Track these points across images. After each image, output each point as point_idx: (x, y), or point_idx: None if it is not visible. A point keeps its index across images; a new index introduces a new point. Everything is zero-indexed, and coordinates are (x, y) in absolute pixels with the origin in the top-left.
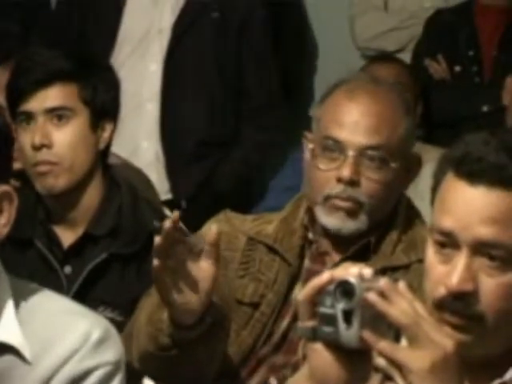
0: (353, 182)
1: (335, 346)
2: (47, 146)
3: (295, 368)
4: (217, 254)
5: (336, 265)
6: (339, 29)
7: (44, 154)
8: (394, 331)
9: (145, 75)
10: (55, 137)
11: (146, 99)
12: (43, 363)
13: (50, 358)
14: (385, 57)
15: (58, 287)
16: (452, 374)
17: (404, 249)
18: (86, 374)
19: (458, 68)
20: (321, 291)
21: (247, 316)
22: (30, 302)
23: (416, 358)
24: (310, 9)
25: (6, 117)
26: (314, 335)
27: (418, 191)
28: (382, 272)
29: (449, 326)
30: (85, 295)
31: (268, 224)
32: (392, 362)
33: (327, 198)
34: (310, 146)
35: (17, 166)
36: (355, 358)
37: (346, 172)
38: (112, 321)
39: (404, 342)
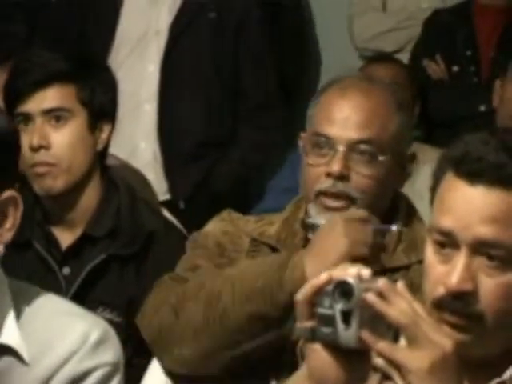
0: (342, 177)
1: (334, 347)
2: (45, 147)
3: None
4: None
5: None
6: (338, 29)
7: (42, 155)
8: (393, 331)
9: (142, 76)
10: (53, 138)
11: (143, 100)
12: (42, 364)
13: (50, 359)
14: (383, 57)
15: (57, 288)
16: (451, 373)
17: (404, 249)
18: (85, 374)
19: (455, 68)
20: (319, 292)
21: None
22: (29, 303)
23: (415, 358)
24: (309, 10)
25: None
26: (312, 336)
27: (415, 191)
28: (382, 273)
29: (448, 326)
30: (83, 296)
31: (270, 225)
32: (391, 362)
33: (318, 195)
34: (302, 143)
35: None
36: (354, 359)
37: (335, 166)
38: (111, 322)
39: (403, 342)
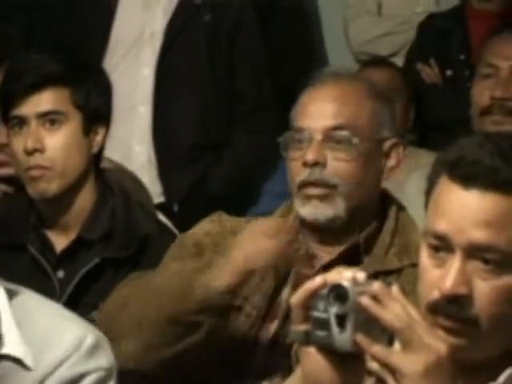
0: (317, 163)
1: (328, 350)
2: (40, 150)
3: (288, 370)
4: None
5: (325, 267)
6: (334, 33)
7: (36, 159)
8: (387, 335)
9: (137, 78)
10: (48, 141)
11: (138, 102)
12: (37, 366)
13: (44, 362)
14: (378, 61)
15: (51, 292)
16: (445, 377)
17: (396, 253)
18: (79, 378)
19: (449, 72)
20: (314, 295)
21: (234, 319)
22: (24, 307)
23: (409, 362)
24: (306, 13)
25: None
26: (307, 339)
27: (405, 197)
28: (374, 276)
29: (443, 330)
30: (78, 300)
31: None
32: (385, 365)
33: (300, 187)
34: (282, 141)
35: (10, 171)
36: (348, 362)
37: (309, 155)
38: None
39: (397, 345)
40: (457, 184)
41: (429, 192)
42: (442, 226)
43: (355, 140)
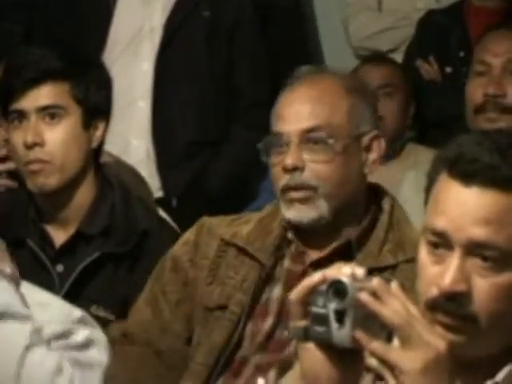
0: (296, 168)
1: (327, 346)
2: (39, 144)
3: (283, 367)
4: None
5: (314, 263)
6: (334, 28)
7: (36, 153)
8: (386, 331)
9: (136, 73)
10: (47, 135)
11: (137, 97)
12: None
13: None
14: (378, 57)
15: (50, 286)
16: (444, 374)
17: (391, 249)
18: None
19: (448, 69)
20: (313, 291)
21: (217, 319)
22: None
23: (408, 359)
24: (305, 9)
25: None
26: (306, 335)
27: (400, 195)
28: (369, 273)
29: (441, 327)
30: (77, 294)
31: (245, 224)
32: (384, 362)
33: (282, 192)
34: (262, 146)
35: (12, 165)
36: (347, 358)
37: (288, 160)
38: (104, 320)
39: (396, 342)
40: (456, 181)
41: (428, 189)
42: (441, 222)
43: (331, 140)
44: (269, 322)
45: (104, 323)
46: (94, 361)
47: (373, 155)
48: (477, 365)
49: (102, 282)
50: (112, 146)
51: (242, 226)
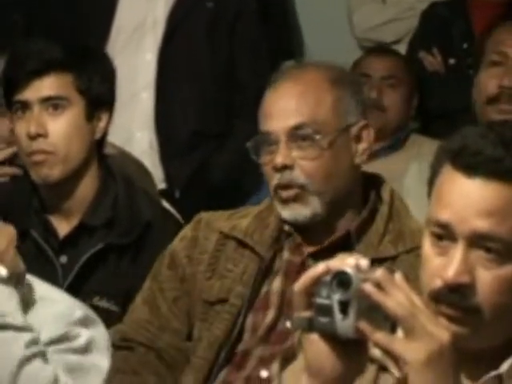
0: (286, 167)
1: (331, 337)
2: (43, 135)
3: (286, 358)
4: None
5: (313, 254)
6: (338, 19)
7: (39, 144)
8: (390, 322)
9: (140, 65)
10: (50, 126)
11: (140, 88)
12: None
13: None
14: (381, 49)
15: (54, 277)
16: (447, 365)
17: (391, 240)
18: None
19: (452, 61)
20: (317, 282)
21: (217, 313)
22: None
23: (412, 350)
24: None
25: None
26: (309, 326)
27: (403, 188)
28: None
29: (445, 318)
30: (80, 285)
31: (243, 218)
32: (388, 353)
33: (275, 191)
34: (251, 145)
35: (10, 150)
36: (351, 349)
37: (277, 159)
38: (107, 311)
39: (400, 333)
40: (459, 173)
41: (432, 181)
42: (444, 215)
43: (318, 137)
44: (271, 314)
45: (107, 314)
46: (96, 364)
47: (363, 145)
48: (480, 356)
49: (105, 273)
50: (115, 138)
51: (241, 220)
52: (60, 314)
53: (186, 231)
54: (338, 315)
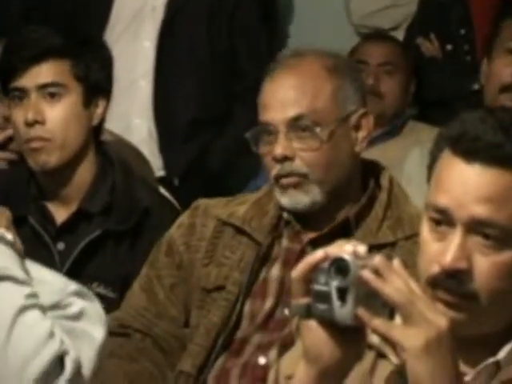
0: (286, 158)
1: (329, 324)
2: (40, 122)
3: (284, 345)
4: None
5: (312, 241)
6: (334, 6)
7: (37, 130)
8: (389, 309)
9: (138, 52)
10: (48, 113)
11: (139, 76)
12: None
13: None
14: (378, 35)
15: (51, 264)
16: (446, 352)
17: (390, 226)
18: None
19: (449, 47)
20: (315, 268)
21: (214, 300)
22: None
23: (410, 336)
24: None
25: None
26: (307, 313)
27: (404, 174)
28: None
29: (442, 304)
30: (78, 272)
31: (241, 205)
32: (386, 339)
33: (275, 180)
34: (250, 135)
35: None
36: (349, 336)
37: (277, 150)
38: (105, 297)
39: (398, 319)
40: (459, 159)
41: (431, 166)
42: (443, 200)
43: (317, 129)
44: (269, 302)
45: (105, 301)
46: (88, 332)
47: (362, 133)
48: (478, 343)
49: (103, 259)
50: (114, 126)
51: (239, 207)
52: (55, 288)
53: (184, 218)
54: (336, 302)
